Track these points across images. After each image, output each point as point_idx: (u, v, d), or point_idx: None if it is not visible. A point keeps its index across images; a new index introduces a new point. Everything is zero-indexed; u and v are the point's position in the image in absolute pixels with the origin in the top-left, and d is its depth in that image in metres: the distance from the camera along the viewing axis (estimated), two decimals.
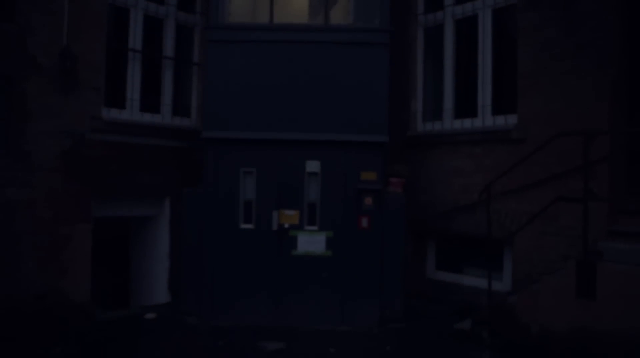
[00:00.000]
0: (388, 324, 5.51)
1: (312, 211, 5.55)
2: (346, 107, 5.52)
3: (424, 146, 6.63)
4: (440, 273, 6.81)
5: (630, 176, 5.18)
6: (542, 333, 4.54)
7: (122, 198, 6.23)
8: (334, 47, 5.62)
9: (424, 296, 6.64)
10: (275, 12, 5.68)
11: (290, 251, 5.51)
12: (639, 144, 5.09)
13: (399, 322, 5.54)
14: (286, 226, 5.46)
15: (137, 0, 6.24)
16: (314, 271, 5.50)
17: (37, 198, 5.32)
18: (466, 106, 6.36)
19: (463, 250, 6.60)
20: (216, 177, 5.53)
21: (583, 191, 4.52)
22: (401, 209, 5.56)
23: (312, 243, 5.49)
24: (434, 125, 6.64)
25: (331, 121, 5.52)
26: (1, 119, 5.08)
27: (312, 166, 5.51)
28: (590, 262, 4.30)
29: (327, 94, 5.54)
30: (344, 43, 5.63)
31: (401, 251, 5.59)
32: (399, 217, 5.55)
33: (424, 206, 6.51)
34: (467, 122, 6.28)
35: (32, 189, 5.29)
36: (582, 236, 4.42)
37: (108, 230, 7.48)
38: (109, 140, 5.93)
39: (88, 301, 5.71)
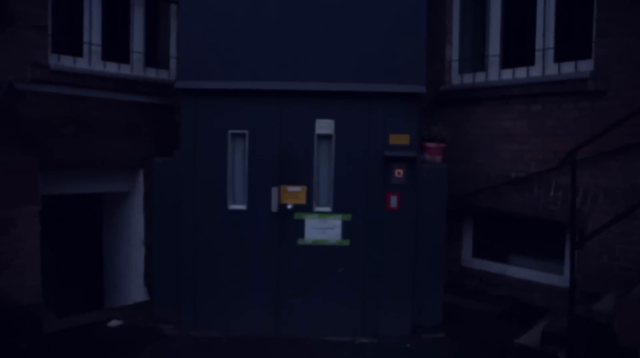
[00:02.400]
0: (423, 334, 4.05)
1: (324, 187, 4.04)
2: (369, 47, 3.91)
3: (462, 104, 5.05)
4: (478, 261, 5.33)
5: None
6: None
7: (81, 170, 4.71)
8: None
9: (458, 290, 5.18)
10: None
11: (295, 240, 4.01)
12: None
13: (437, 331, 4.08)
14: (289, 206, 3.95)
15: None
16: (326, 265, 4.00)
17: None
18: (519, 51, 4.73)
19: (510, 234, 5.10)
20: (196, 142, 3.98)
21: None
22: (441, 185, 4.02)
23: (323, 229, 4.00)
24: (475, 77, 5.03)
25: (349, 65, 3.90)
26: None
27: (324, 126, 3.96)
28: None
29: (343, 29, 3.91)
30: None
31: (441, 239, 4.07)
32: (439, 194, 4.02)
33: (460, 178, 4.96)
34: (521, 72, 4.67)
35: None
36: None
37: (76, 209, 6.03)
38: (59, 95, 4.38)
39: (38, 305, 4.27)
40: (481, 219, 5.28)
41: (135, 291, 5.15)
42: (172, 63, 5.17)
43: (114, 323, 4.10)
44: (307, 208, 3.97)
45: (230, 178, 3.99)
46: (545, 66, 4.48)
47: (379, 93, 3.89)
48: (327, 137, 3.95)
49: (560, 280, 4.63)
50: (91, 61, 4.62)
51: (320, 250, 3.99)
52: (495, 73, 4.86)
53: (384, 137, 3.91)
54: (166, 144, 4.69)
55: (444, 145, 4.18)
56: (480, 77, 4.98)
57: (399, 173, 3.92)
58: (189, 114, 3.98)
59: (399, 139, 3.92)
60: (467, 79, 5.10)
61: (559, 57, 4.45)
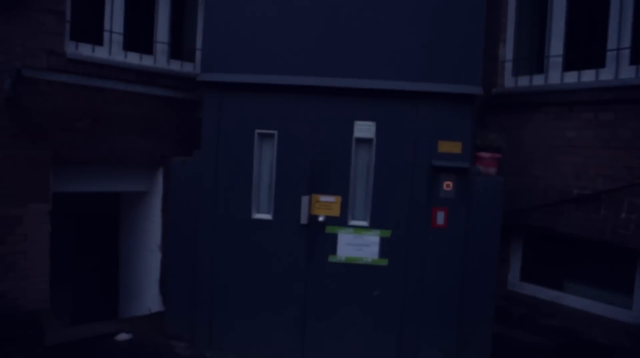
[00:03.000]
0: None
1: (361, 199, 3.54)
2: (418, 40, 3.37)
3: (516, 110, 4.45)
4: (528, 286, 4.70)
5: None
6: None
7: (96, 167, 4.32)
8: None
9: (503, 317, 4.57)
10: None
11: (326, 257, 3.50)
12: None
13: None
14: (321, 219, 3.45)
15: None
16: (359, 287, 3.48)
17: None
18: (586, 52, 4.15)
19: (566, 258, 4.48)
20: (219, 141, 3.53)
21: None
22: (496, 200, 3.46)
23: (359, 245, 3.49)
24: (533, 80, 4.43)
25: (394, 60, 3.38)
26: None
27: (364, 129, 3.45)
28: None
29: (389, 18, 3.39)
30: None
31: (493, 263, 3.51)
32: (493, 211, 3.46)
33: (511, 192, 4.33)
34: (589, 75, 4.05)
35: None
36: None
37: (92, 208, 5.68)
38: (75, 86, 4.01)
39: (43, 312, 3.89)
40: (532, 239, 4.66)
41: (151, 299, 4.74)
42: (198, 55, 4.73)
43: (122, 336, 3.68)
44: (341, 221, 3.46)
45: (256, 184, 3.52)
46: (619, 69, 3.85)
47: (427, 93, 3.35)
48: (366, 141, 3.44)
49: (627, 315, 3.98)
50: (111, 50, 4.23)
51: (354, 270, 3.48)
52: (556, 76, 4.25)
53: (432, 144, 3.37)
54: (189, 142, 4.26)
55: (499, 155, 3.61)
56: (538, 80, 4.37)
57: (448, 185, 3.38)
58: (212, 110, 3.53)
59: (450, 147, 3.38)
60: (523, 81, 4.49)
61: (637, 59, 3.83)
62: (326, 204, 3.45)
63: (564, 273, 4.49)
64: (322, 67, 3.42)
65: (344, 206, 3.45)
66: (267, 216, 3.52)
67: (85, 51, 4.09)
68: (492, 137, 3.58)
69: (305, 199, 3.43)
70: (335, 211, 3.45)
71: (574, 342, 3.97)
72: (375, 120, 3.40)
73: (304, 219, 3.43)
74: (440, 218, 3.39)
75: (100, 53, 4.17)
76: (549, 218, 4.22)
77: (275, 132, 3.47)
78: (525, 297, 4.64)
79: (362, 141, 3.44)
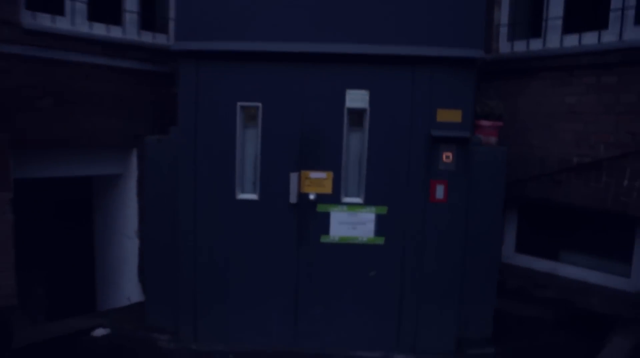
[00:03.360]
0: (469, 349, 3.30)
1: (355, 174, 3.28)
2: (414, 1, 3.10)
3: (512, 76, 4.19)
4: (523, 257, 4.54)
5: None
6: None
7: (62, 150, 3.92)
8: None
9: (498, 289, 4.41)
10: None
11: (318, 237, 3.23)
12: None
13: (485, 345, 3.35)
14: (312, 197, 3.17)
15: None
16: (355, 268, 3.24)
17: None
18: (585, 13, 3.90)
19: (562, 228, 4.32)
20: (197, 117, 3.19)
21: None
22: (499, 171, 3.22)
23: (353, 224, 3.23)
24: (530, 44, 4.17)
25: (388, 23, 3.05)
26: None
27: (357, 98, 3.15)
28: None
29: None
30: None
31: (497, 238, 3.29)
32: (496, 183, 3.22)
33: (507, 163, 4.15)
34: (590, 38, 3.79)
35: None
36: None
37: (65, 194, 5.28)
38: (34, 60, 3.58)
39: (9, 310, 3.55)
40: (527, 210, 4.48)
41: (130, 288, 4.42)
42: (172, 26, 4.32)
43: (99, 332, 3.37)
44: (334, 198, 3.18)
45: (240, 162, 3.20)
46: (623, 30, 3.60)
47: (425, 58, 3.05)
48: (359, 112, 3.14)
49: (626, 283, 3.86)
50: (74, 20, 3.80)
51: (349, 250, 3.22)
52: (555, 39, 3.99)
53: (431, 113, 3.10)
54: (165, 121, 3.89)
55: (500, 123, 3.36)
56: (536, 45, 4.10)
57: (447, 156, 3.12)
58: (188, 82, 3.17)
59: (449, 116, 3.11)
60: (520, 46, 4.22)
61: None
62: (317, 181, 3.17)
63: (560, 243, 4.32)
64: (310, 32, 3.07)
65: (336, 182, 3.16)
66: (253, 197, 3.22)
67: (44, 21, 3.64)
68: (493, 104, 3.32)
69: (294, 177, 3.13)
70: (327, 188, 3.17)
71: (573, 313, 3.82)
72: (368, 88, 3.09)
73: (293, 198, 3.15)
74: (440, 191, 3.15)
75: (62, 24, 3.73)
76: (547, 188, 4.03)
77: (260, 104, 3.14)
78: (520, 269, 4.48)
79: (355, 111, 3.14)
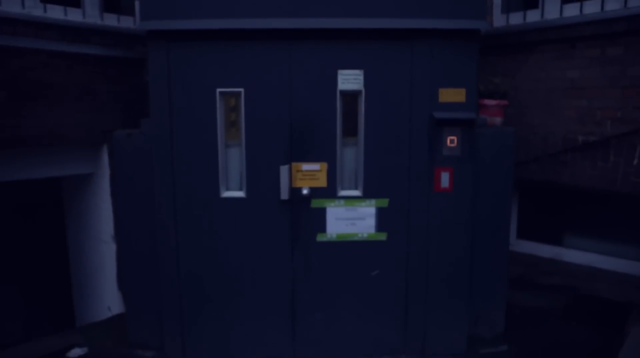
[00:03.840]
0: (481, 348, 3.03)
1: (352, 164, 2.92)
2: None
3: (509, 51, 3.89)
4: (525, 243, 4.31)
5: None
6: None
7: (24, 150, 3.50)
8: None
9: None
10: None
11: (314, 236, 2.89)
12: None
13: (498, 342, 3.10)
14: (305, 191, 2.82)
15: None
16: (355, 267, 2.91)
17: None
18: None
19: (566, 211, 4.09)
20: (170, 106, 2.79)
21: None
22: (507, 155, 2.91)
23: (351, 219, 2.90)
24: (527, 16, 3.87)
25: None
26: None
27: (350, 79, 2.79)
28: None
29: None
30: None
31: (506, 228, 3.00)
32: (504, 168, 2.92)
33: None
34: (593, 6, 3.51)
35: None
36: None
37: (34, 197, 4.82)
38: None
39: None
40: (529, 194, 4.24)
41: (110, 297, 4.03)
42: (138, 8, 3.89)
43: (75, 353, 2.98)
44: (329, 192, 2.85)
45: (223, 155, 2.84)
46: None
47: (424, 31, 2.70)
48: (354, 94, 2.79)
49: (635, 267, 3.66)
50: (24, 2, 3.34)
51: (348, 248, 2.90)
52: (554, 9, 3.70)
53: (432, 92, 2.76)
54: (138, 113, 3.49)
55: (506, 102, 3.06)
56: (533, 16, 3.81)
57: (452, 141, 2.81)
58: (159, 67, 2.77)
59: (452, 95, 2.79)
60: (515, 19, 3.92)
61: None
62: (310, 174, 2.82)
63: (565, 227, 4.10)
64: (296, 6, 2.69)
65: (332, 174, 2.82)
66: (239, 194, 2.86)
67: None
68: (498, 81, 3.01)
69: (284, 170, 2.78)
70: (322, 181, 2.83)
71: (581, 301, 3.60)
72: (363, 68, 2.74)
73: (284, 194, 2.80)
74: (445, 179, 2.84)
75: (9, 6, 3.25)
76: (550, 170, 3.78)
77: (242, 90, 2.76)
78: (522, 256, 4.26)
79: (348, 94, 2.79)
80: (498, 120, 3.05)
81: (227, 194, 2.85)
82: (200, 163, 2.82)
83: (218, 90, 2.76)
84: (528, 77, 3.78)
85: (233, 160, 2.86)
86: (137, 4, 3.87)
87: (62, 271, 4.51)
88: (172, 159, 2.81)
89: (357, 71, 2.75)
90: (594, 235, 3.92)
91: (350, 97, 2.80)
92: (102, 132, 3.71)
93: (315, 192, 2.83)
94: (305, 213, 2.85)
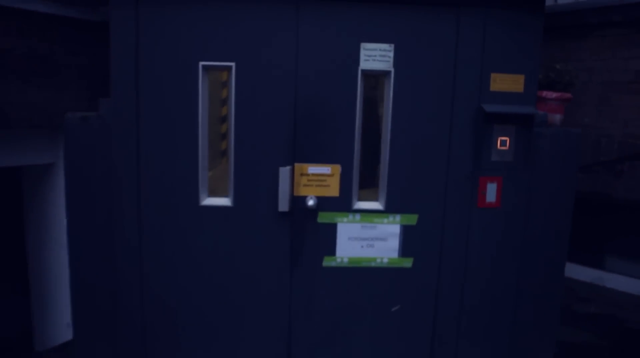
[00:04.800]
0: None
1: (373, 168, 2.27)
2: None
3: (555, 35, 3.21)
4: None
5: None
6: None
7: None
8: None
9: None
10: None
11: (320, 260, 2.18)
12: None
13: None
14: (311, 202, 2.10)
15: None
16: (371, 300, 2.21)
17: None
18: None
19: (611, 231, 3.45)
20: (137, 84, 2.09)
21: None
22: (571, 164, 2.25)
23: (369, 240, 2.21)
24: None
25: None
26: None
27: (376, 55, 2.07)
28: None
29: None
30: None
31: (563, 254, 2.36)
32: (565, 179, 2.25)
33: None
34: None
35: None
36: None
37: None
38: None
39: None
40: None
41: (67, 313, 3.36)
42: None
43: None
44: (342, 203, 2.15)
45: (204, 150, 2.15)
46: None
47: None
48: (379, 75, 2.11)
49: None
50: None
51: (363, 276, 2.21)
52: None
53: (482, 78, 2.08)
54: (105, 90, 2.79)
55: (569, 96, 2.38)
56: None
57: (503, 142, 2.13)
58: (124, 32, 2.05)
59: (508, 83, 2.10)
60: None
61: None
62: (318, 179, 2.13)
63: (608, 248, 3.46)
64: None
65: (346, 179, 2.13)
66: (225, 202, 2.16)
67: None
68: (561, 68, 2.33)
69: (284, 173, 2.09)
70: (333, 189, 2.14)
71: (631, 337, 2.96)
72: (393, 41, 2.05)
73: (283, 205, 2.10)
74: (492, 192, 2.16)
75: None
76: (601, 180, 3.12)
77: (233, 64, 2.06)
78: None
79: (373, 75, 2.10)
80: (558, 118, 2.37)
81: (208, 201, 2.15)
82: (174, 159, 2.11)
83: (201, 64, 2.05)
84: (579, 67, 3.10)
85: (214, 155, 2.16)
86: None
87: (22, 279, 3.80)
88: (137, 152, 2.10)
89: (385, 45, 2.05)
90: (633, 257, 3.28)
91: (375, 79, 2.11)
92: (63, 113, 2.99)
93: (323, 203, 2.14)
94: (310, 230, 2.16)
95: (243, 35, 2.04)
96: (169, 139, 2.10)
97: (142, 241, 2.15)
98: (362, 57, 2.04)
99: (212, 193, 2.17)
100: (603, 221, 3.44)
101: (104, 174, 2.15)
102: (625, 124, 3.00)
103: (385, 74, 2.07)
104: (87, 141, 2.15)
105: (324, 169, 2.11)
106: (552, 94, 2.31)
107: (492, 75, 2.08)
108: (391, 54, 2.05)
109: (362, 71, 2.05)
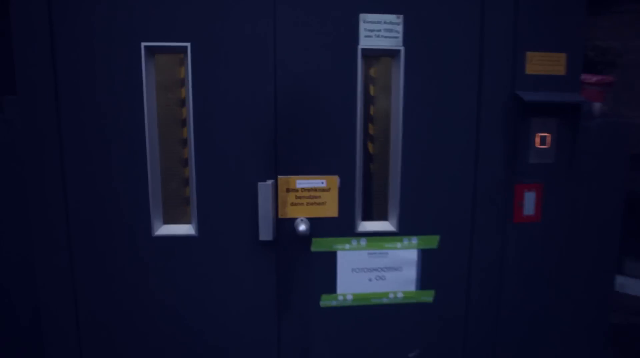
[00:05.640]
0: None
1: (379, 179, 1.75)
2: None
3: (596, 8, 2.82)
4: None
5: None
6: None
7: None
8: None
9: None
10: None
11: (315, 299, 1.64)
12: None
13: None
14: (302, 228, 1.58)
15: None
16: (382, 346, 1.74)
17: None
18: None
19: (631, 233, 3.07)
20: (57, 72, 1.55)
21: None
22: (619, 162, 1.82)
23: (378, 270, 1.71)
24: None
25: None
26: None
27: (380, 31, 1.57)
28: None
29: None
30: None
31: (612, 272, 1.93)
32: (613, 181, 1.82)
33: None
34: None
35: None
36: None
37: None
38: None
39: None
40: None
41: None
42: None
43: None
44: (343, 225, 1.64)
45: (154, 162, 1.60)
46: None
47: None
48: (385, 56, 1.61)
49: None
50: None
51: (372, 316, 1.70)
52: None
53: (515, 58, 1.62)
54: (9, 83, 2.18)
55: (611, 79, 1.94)
56: None
57: (543, 139, 1.67)
58: (31, 8, 1.50)
59: (547, 64, 1.63)
60: None
61: None
62: (310, 195, 1.61)
63: (628, 250, 3.08)
64: None
65: (347, 195, 1.63)
66: (187, 230, 1.62)
67: None
68: (603, 44, 1.89)
69: (265, 189, 1.56)
70: (330, 208, 1.63)
71: None
72: (402, 11, 1.56)
73: (265, 232, 1.57)
74: (530, 204, 1.69)
75: None
76: None
77: (188, 45, 1.51)
78: None
79: (376, 55, 1.60)
80: (597, 106, 1.93)
81: (164, 231, 1.60)
82: (112, 174, 1.55)
83: (144, 44, 1.49)
84: (623, 47, 2.66)
85: (174, 169, 1.61)
86: None
87: None
88: (62, 166, 1.53)
89: (392, 17, 1.54)
90: None
91: (380, 61, 1.60)
92: None
93: (318, 226, 1.62)
94: (302, 262, 1.63)
95: (201, 7, 1.50)
96: (103, 148, 1.53)
97: (75, 289, 1.58)
98: (362, 32, 1.53)
99: (170, 219, 1.61)
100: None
101: (15, 192, 1.56)
102: None
103: (393, 54, 1.56)
104: None
105: (318, 182, 1.58)
106: (592, 78, 1.86)
107: (528, 54, 1.60)
108: (400, 28, 1.54)
109: (363, 50, 1.54)
